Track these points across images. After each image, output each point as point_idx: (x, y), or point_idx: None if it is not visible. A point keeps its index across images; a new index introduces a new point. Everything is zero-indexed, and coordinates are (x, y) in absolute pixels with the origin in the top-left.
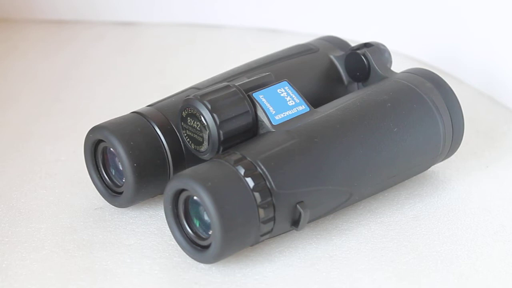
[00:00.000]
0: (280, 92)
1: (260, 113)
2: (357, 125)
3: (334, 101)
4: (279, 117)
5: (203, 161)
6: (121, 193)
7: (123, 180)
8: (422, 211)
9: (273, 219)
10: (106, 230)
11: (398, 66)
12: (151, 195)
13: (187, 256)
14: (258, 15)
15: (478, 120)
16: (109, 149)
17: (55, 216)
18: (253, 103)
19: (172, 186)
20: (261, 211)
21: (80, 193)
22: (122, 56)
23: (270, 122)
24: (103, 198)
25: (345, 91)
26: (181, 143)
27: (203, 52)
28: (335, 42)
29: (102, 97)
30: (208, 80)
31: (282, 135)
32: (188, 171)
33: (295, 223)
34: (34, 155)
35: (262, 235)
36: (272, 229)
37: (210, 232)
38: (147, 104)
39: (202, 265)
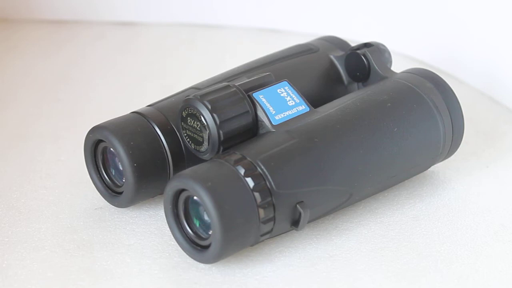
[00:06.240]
0: (280, 92)
1: (260, 113)
2: (357, 125)
3: (334, 101)
4: (279, 117)
5: (203, 161)
6: (121, 193)
7: (123, 180)
8: (422, 211)
9: (273, 219)
10: (106, 230)
11: (398, 66)
12: (151, 195)
13: (187, 256)
14: (258, 15)
15: (478, 120)
16: (109, 149)
17: (55, 216)
18: (253, 103)
19: (172, 186)
20: (261, 211)
21: (80, 193)
22: (122, 56)
23: (270, 122)
24: (103, 198)
25: (345, 91)
26: (181, 143)
27: (203, 52)
28: (335, 42)
29: (102, 97)
30: (208, 80)
31: (282, 135)
32: (188, 171)
33: (295, 223)
34: (34, 155)
35: (262, 235)
36: (272, 229)
37: (210, 232)
38: (147, 104)
39: (202, 265)
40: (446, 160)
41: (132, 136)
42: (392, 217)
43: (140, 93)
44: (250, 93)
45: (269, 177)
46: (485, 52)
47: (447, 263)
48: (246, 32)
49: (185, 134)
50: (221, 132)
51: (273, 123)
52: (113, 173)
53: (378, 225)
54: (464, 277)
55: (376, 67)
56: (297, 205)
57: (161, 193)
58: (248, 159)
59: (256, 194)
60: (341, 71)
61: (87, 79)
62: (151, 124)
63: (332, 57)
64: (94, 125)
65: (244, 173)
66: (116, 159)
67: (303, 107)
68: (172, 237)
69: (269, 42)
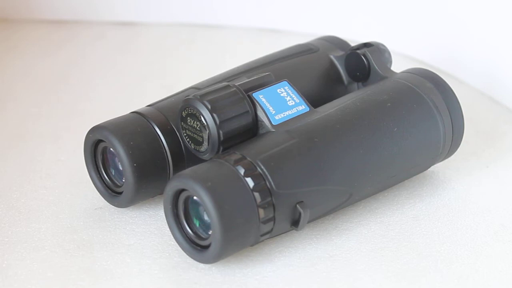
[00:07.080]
0: (280, 92)
1: (260, 113)
2: (357, 125)
3: (334, 101)
4: (279, 117)
5: (203, 161)
6: (121, 193)
7: (123, 180)
8: (422, 211)
9: (273, 219)
10: (106, 230)
11: (398, 66)
12: (151, 195)
13: (187, 256)
14: (258, 15)
15: (478, 120)
16: (109, 149)
17: (55, 216)
18: (253, 103)
19: (172, 186)
20: (261, 211)
21: (80, 193)
22: (122, 56)
23: (270, 122)
24: (103, 198)
25: (345, 91)
26: (181, 143)
27: (203, 52)
28: (335, 42)
29: (102, 97)
30: (208, 80)
31: (282, 135)
32: (188, 171)
33: (295, 223)
34: (34, 155)
35: (262, 235)
36: (272, 229)
37: (210, 232)
38: (147, 104)
39: (202, 265)
40: (446, 160)
41: (132, 136)
42: (392, 217)
43: (140, 93)
44: (250, 93)
45: (269, 177)
46: (485, 52)
47: (447, 263)
48: (246, 32)
49: (185, 134)
50: (221, 132)
51: (273, 123)
52: (113, 173)
53: (378, 225)
54: (464, 277)
55: (376, 67)
56: (297, 205)
57: (161, 193)
58: (248, 159)
59: (256, 194)
60: (341, 71)
61: (87, 79)
62: (151, 124)
63: (332, 57)
64: (94, 125)
65: (244, 173)
66: (116, 159)
67: (303, 107)
68: (172, 237)
69: (269, 42)
